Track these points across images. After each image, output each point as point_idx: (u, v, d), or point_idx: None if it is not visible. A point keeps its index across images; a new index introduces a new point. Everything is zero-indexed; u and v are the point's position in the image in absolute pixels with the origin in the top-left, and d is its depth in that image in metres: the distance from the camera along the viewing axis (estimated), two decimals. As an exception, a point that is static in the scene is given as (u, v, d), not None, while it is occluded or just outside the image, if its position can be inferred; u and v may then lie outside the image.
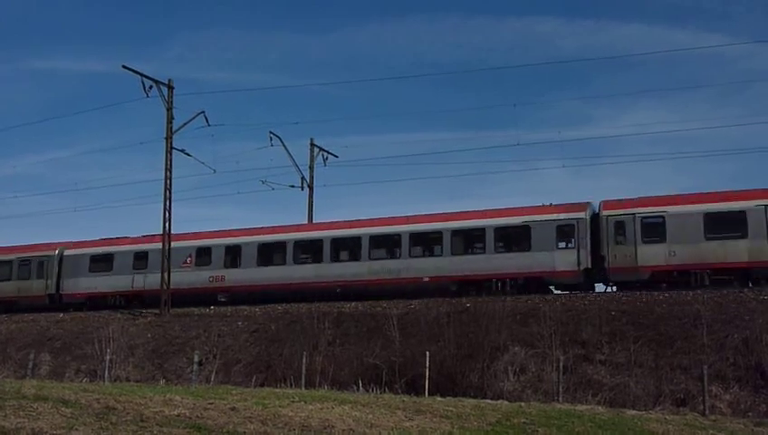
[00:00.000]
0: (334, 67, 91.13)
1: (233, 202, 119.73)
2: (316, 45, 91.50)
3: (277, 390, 18.23)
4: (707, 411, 17.56)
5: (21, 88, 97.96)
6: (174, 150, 32.46)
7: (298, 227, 32.75)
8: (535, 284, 26.84)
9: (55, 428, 9.17)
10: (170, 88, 32.51)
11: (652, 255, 25.64)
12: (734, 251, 24.89)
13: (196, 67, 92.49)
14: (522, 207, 28.42)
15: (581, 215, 26.87)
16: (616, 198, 27.38)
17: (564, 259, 26.62)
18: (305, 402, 13.50)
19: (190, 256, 32.89)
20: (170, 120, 32.48)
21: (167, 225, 31.89)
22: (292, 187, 38.63)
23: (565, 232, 26.96)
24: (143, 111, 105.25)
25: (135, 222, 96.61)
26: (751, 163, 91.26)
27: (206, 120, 32.78)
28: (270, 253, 31.59)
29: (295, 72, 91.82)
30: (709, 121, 73.97)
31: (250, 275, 31.36)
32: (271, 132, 36.96)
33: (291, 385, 20.79)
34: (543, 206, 28.17)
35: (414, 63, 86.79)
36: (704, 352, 20.03)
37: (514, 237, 27.91)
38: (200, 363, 23.88)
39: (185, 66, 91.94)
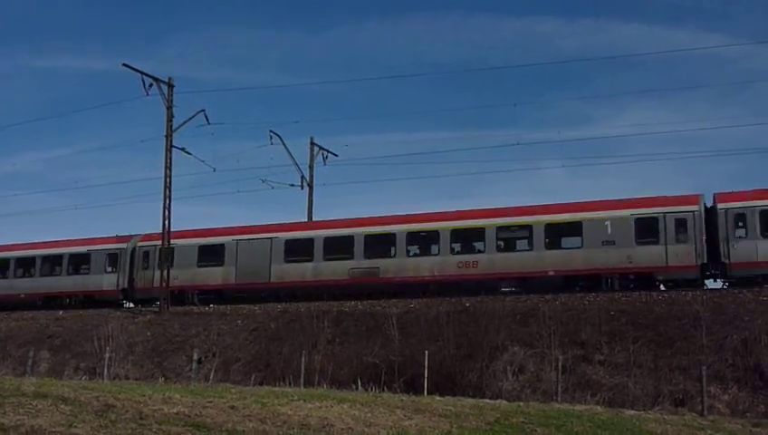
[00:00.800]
0: (334, 67, 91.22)
1: (233, 201, 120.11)
2: (316, 45, 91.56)
3: (276, 388, 18.23)
4: (706, 412, 17.57)
5: (21, 86, 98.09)
6: (174, 149, 32.58)
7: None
8: (90, 300, 34.07)
9: (55, 425, 9.16)
10: (170, 86, 32.53)
11: (161, 277, 31.49)
12: (214, 275, 31.47)
13: (197, 66, 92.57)
14: (87, 239, 35.67)
15: (123, 246, 34.26)
16: (155, 231, 33.09)
17: (110, 281, 34.13)
18: (304, 401, 13.49)
19: None
20: (170, 118, 32.51)
21: (166, 223, 31.95)
22: (292, 186, 38.86)
23: (112, 260, 34.29)
24: (143, 110, 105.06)
25: (135, 220, 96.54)
26: (753, 163, 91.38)
27: (206, 119, 32.99)
28: None
29: (295, 72, 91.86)
30: (710, 122, 73.99)
31: None
32: (271, 131, 37.33)
33: (290, 384, 20.79)
34: (103, 238, 35.25)
35: (414, 63, 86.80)
36: (702, 353, 20.04)
37: (82, 263, 35.37)
38: (199, 362, 23.92)
39: (185, 65, 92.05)
